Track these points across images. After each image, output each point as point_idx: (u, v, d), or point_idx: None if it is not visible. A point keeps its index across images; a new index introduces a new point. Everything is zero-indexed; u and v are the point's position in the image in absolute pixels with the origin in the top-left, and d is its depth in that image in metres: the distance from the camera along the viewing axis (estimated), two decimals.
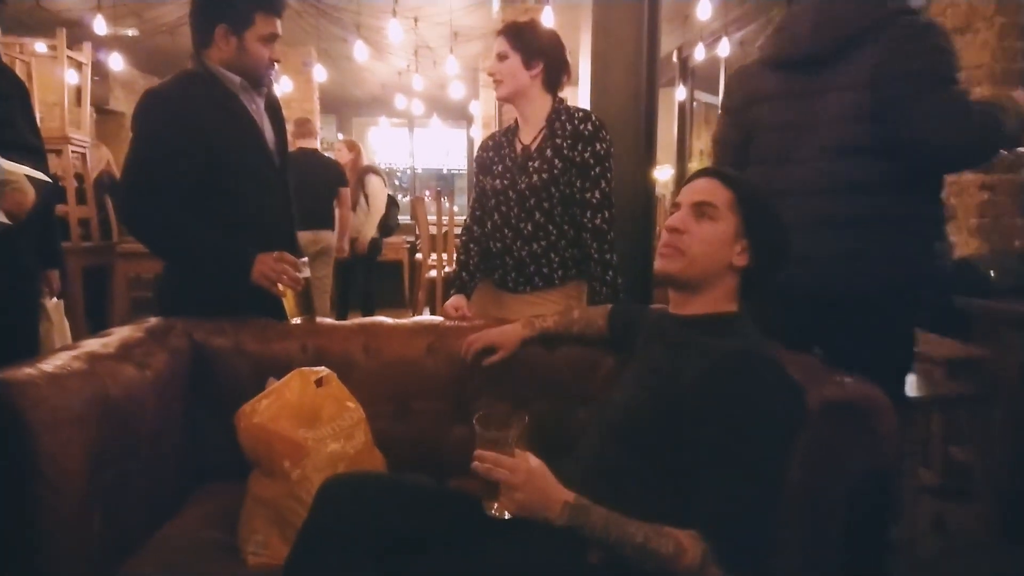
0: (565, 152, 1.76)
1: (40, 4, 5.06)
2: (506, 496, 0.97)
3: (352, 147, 4.78)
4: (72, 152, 3.72)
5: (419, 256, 4.78)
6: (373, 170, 4.75)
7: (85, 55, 3.87)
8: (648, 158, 2.49)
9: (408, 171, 11.24)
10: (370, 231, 4.65)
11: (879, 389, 1.06)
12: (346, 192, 4.28)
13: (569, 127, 1.78)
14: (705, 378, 1.00)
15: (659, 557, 0.92)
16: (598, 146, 1.76)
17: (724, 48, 4.50)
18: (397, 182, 11.28)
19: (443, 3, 5.47)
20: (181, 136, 1.59)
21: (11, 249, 1.89)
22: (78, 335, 3.04)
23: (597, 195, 1.76)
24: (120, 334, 1.42)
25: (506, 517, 1.00)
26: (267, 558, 1.20)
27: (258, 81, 1.74)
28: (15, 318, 2.00)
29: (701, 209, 1.12)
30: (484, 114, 6.96)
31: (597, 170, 1.76)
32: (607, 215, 1.77)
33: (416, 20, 5.67)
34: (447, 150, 11.51)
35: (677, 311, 1.18)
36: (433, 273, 4.26)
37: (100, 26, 4.56)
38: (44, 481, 1.06)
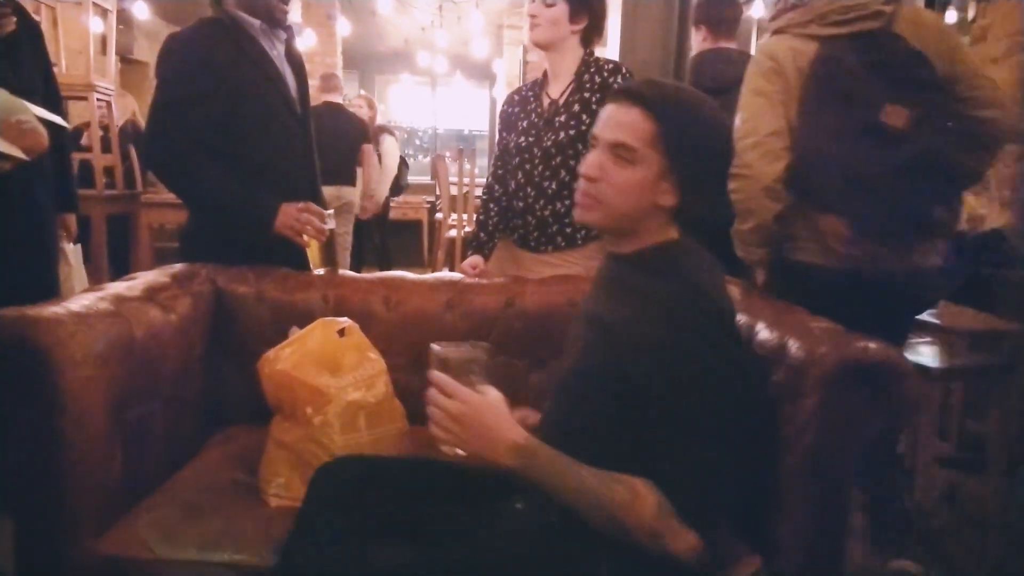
0: (593, 107, 1.73)
1: None
2: (450, 429, 0.88)
3: (372, 105, 4.80)
4: (97, 100, 3.72)
5: (439, 216, 4.78)
6: (387, 130, 4.83)
7: (110, 2, 3.85)
8: None
9: (429, 131, 11.14)
10: (384, 190, 4.70)
11: (900, 352, 1.05)
12: (369, 149, 4.27)
13: (598, 79, 1.74)
14: (633, 327, 0.92)
15: (613, 505, 0.85)
16: None
17: (758, 8, 4.35)
18: (418, 142, 11.22)
19: None
20: (203, 78, 1.59)
21: (28, 193, 1.92)
22: (101, 282, 3.10)
23: None
24: (145, 278, 1.44)
25: (458, 454, 0.91)
26: (289, 500, 1.22)
27: (274, 18, 1.71)
28: (34, 260, 2.03)
29: (617, 151, 0.96)
30: (508, 73, 6.86)
31: None
32: None
33: None
34: (469, 110, 11.37)
35: (613, 249, 1.08)
36: (453, 233, 4.24)
37: None
38: (68, 418, 1.08)
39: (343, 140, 4.07)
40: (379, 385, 1.39)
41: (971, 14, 3.09)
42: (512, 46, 6.75)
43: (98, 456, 1.13)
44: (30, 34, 1.91)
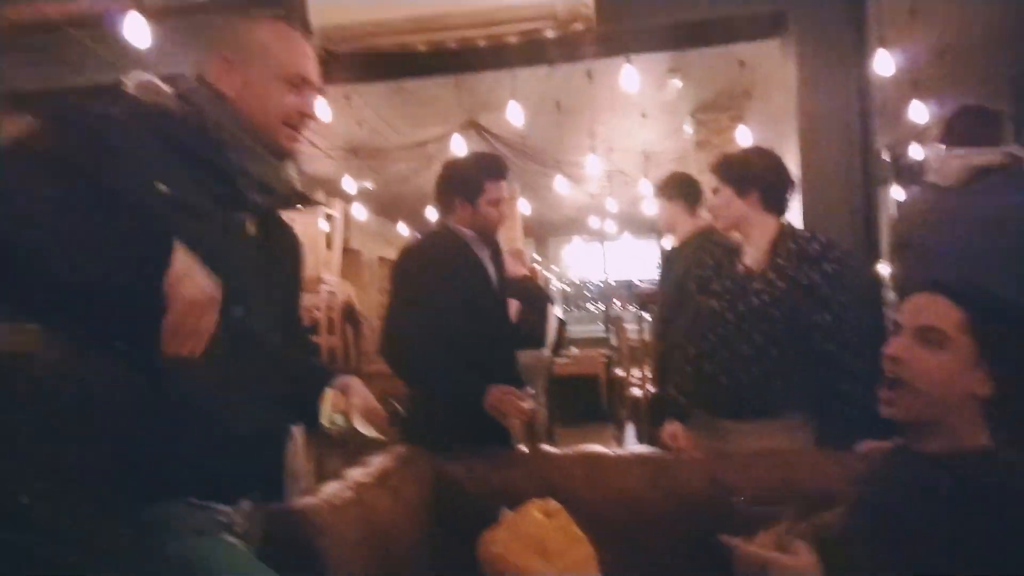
0: (789, 273, 1.74)
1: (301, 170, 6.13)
2: None
3: (532, 274, 5.20)
4: (324, 291, 4.37)
5: (619, 371, 4.83)
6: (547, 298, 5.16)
7: (337, 209, 4.62)
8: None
9: (600, 283, 11.57)
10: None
11: None
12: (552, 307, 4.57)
13: (794, 247, 1.75)
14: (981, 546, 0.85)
15: None
16: (826, 266, 1.71)
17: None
18: (588, 293, 11.76)
19: (637, 135, 5.75)
20: (428, 285, 1.89)
21: None
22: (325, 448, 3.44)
23: (827, 317, 1.69)
24: (377, 463, 1.61)
25: None
26: None
27: (489, 238, 2.03)
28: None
29: (926, 335, 0.99)
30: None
31: (826, 291, 1.70)
32: (840, 340, 1.69)
33: (611, 149, 5.99)
34: (638, 261, 11.69)
35: (916, 447, 1.02)
36: (637, 392, 4.23)
37: (349, 185, 5.44)
38: None
39: (534, 308, 4.39)
40: (589, 569, 1.40)
41: None
42: None
43: None
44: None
